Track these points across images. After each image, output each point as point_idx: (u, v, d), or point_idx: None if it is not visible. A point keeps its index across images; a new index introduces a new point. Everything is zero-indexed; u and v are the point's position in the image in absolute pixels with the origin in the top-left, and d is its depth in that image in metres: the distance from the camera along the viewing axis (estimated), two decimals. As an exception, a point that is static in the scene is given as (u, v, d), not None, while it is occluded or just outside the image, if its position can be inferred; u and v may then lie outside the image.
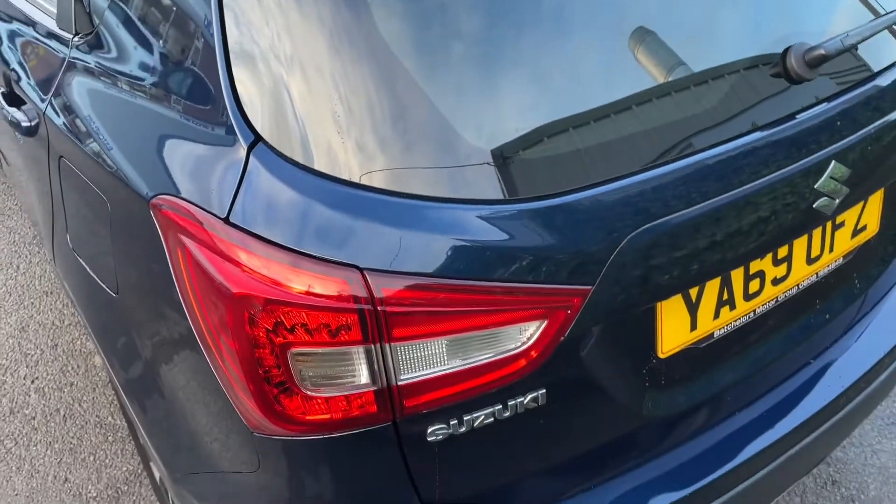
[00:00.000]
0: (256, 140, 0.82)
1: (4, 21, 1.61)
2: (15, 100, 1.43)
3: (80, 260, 1.31)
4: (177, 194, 0.89)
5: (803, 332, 1.23)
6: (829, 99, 1.01)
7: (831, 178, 0.98)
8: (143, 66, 1.04)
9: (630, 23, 0.96)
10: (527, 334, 0.85)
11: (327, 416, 0.85)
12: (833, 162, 0.97)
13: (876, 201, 1.21)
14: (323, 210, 0.80)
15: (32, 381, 2.05)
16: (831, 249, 1.16)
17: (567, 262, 0.84)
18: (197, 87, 0.93)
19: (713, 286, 1.01)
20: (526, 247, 0.83)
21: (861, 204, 1.17)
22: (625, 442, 1.10)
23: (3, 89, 1.49)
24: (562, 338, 0.86)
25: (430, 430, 0.88)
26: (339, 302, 0.78)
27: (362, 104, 0.83)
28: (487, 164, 0.84)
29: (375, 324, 0.79)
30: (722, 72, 0.98)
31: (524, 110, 0.89)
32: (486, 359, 0.85)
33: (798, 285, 1.14)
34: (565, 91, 0.92)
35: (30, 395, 2.00)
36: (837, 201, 1.00)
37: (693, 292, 0.99)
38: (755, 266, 1.05)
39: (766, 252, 1.05)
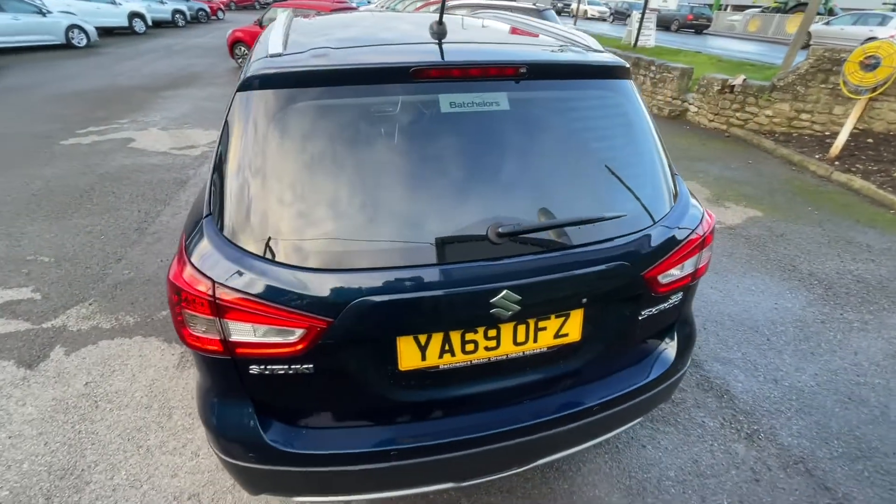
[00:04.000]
0: (209, 215, 1.14)
1: None
2: None
3: None
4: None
5: (516, 383, 1.31)
6: (513, 255, 1.14)
7: (503, 298, 1.11)
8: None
9: (417, 208, 1.12)
10: (297, 334, 1.07)
11: (204, 346, 1.11)
12: (505, 290, 1.11)
13: (577, 319, 1.26)
14: (213, 252, 1.07)
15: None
16: (535, 341, 1.25)
17: (322, 305, 1.04)
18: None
19: (437, 338, 1.17)
20: (303, 292, 1.04)
21: (562, 319, 1.25)
22: (380, 408, 1.26)
23: None
24: (318, 342, 1.07)
25: (250, 367, 1.12)
26: (203, 294, 1.04)
27: (249, 215, 1.08)
28: (293, 247, 1.06)
29: (216, 307, 1.05)
30: (457, 232, 1.13)
31: (317, 239, 1.07)
32: (274, 340, 1.07)
33: (507, 355, 1.25)
34: (347, 241, 1.07)
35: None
36: (510, 313, 1.13)
37: (422, 338, 1.16)
38: (469, 336, 1.19)
39: (467, 328, 1.18)
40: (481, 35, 1.55)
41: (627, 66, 1.38)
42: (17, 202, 3.99)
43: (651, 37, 12.17)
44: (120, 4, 14.99)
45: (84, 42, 12.38)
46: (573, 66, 1.30)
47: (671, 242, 1.30)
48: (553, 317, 1.25)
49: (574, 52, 1.39)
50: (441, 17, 1.36)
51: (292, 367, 1.12)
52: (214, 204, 1.14)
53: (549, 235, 1.18)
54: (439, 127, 1.16)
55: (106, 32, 14.50)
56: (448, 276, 1.10)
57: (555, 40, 1.52)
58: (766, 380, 2.37)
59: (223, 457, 1.24)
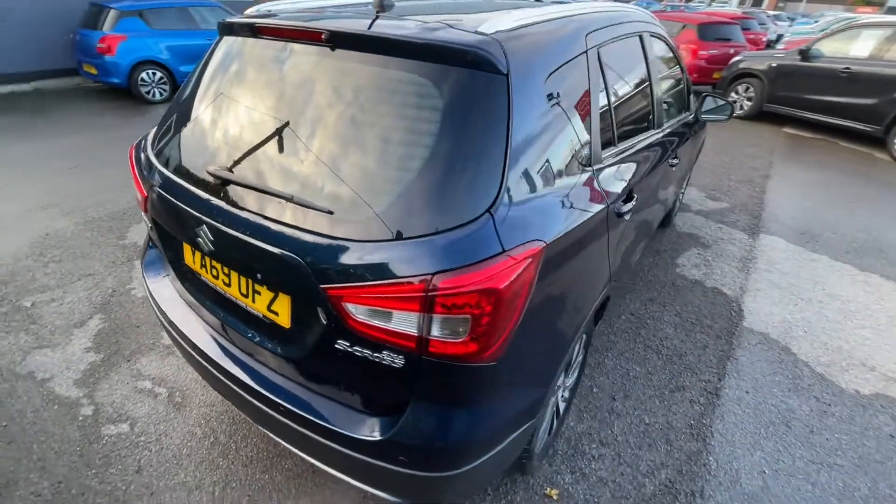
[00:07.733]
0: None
1: None
2: None
3: None
4: None
5: (249, 334, 1.34)
6: (221, 199, 1.22)
7: (202, 231, 1.25)
8: None
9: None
10: (139, 199, 1.54)
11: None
12: (204, 226, 1.24)
13: (284, 304, 1.19)
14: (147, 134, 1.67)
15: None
16: (253, 301, 1.27)
17: (145, 181, 1.47)
18: None
19: (188, 249, 1.39)
20: (144, 168, 1.49)
21: (272, 295, 1.21)
22: (182, 289, 1.55)
23: None
24: (148, 210, 1.50)
25: (142, 213, 1.63)
26: (131, 157, 1.62)
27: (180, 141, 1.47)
28: (157, 139, 1.53)
29: (131, 166, 1.61)
30: (205, 163, 1.29)
31: (161, 136, 1.51)
32: (139, 198, 1.53)
33: (235, 299, 1.31)
34: (169, 144, 1.46)
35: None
36: (207, 249, 1.25)
37: (187, 248, 1.39)
38: (214, 263, 1.32)
39: (192, 245, 1.32)
40: (419, 12, 1.43)
41: (479, 53, 1.05)
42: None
43: None
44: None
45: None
46: (393, 42, 1.11)
47: (374, 270, 0.99)
48: (265, 288, 1.21)
49: (434, 30, 1.14)
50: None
51: (148, 222, 1.58)
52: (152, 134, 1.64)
53: (253, 196, 1.17)
54: (260, 76, 1.33)
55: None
56: (186, 193, 1.31)
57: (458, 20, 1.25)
58: None
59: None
